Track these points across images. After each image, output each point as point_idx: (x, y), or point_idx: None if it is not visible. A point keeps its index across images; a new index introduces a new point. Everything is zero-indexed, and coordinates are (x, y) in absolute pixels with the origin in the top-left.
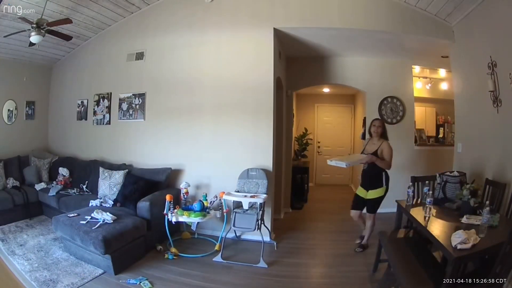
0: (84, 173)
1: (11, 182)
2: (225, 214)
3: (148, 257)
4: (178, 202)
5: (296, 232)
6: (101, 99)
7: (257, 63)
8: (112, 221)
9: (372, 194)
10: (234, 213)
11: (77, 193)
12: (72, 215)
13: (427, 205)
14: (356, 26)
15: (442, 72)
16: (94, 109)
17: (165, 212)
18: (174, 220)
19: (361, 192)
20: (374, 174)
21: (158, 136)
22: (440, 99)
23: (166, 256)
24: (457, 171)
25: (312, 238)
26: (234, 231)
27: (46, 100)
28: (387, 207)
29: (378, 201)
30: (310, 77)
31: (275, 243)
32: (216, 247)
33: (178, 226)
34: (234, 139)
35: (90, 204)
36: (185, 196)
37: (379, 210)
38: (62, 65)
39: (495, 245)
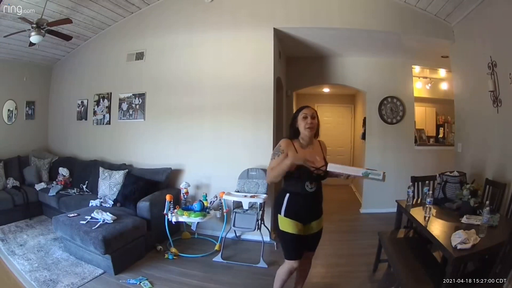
0: (84, 173)
1: (11, 182)
2: (225, 214)
3: (148, 257)
4: (178, 202)
5: None
6: (101, 99)
7: (257, 63)
8: (112, 221)
9: (320, 223)
10: (234, 213)
11: (77, 193)
12: (72, 215)
13: (427, 205)
14: (356, 26)
15: (442, 72)
16: (94, 109)
17: (165, 212)
18: (174, 220)
19: (302, 229)
20: (321, 197)
21: (158, 136)
22: (440, 99)
23: (166, 256)
24: (457, 171)
25: None
26: (234, 231)
27: (46, 100)
28: (387, 207)
29: None
30: (310, 77)
31: (275, 243)
32: (216, 247)
33: (178, 226)
34: (234, 139)
35: (90, 204)
36: (185, 196)
37: (378, 210)
38: (62, 65)
39: (495, 245)
